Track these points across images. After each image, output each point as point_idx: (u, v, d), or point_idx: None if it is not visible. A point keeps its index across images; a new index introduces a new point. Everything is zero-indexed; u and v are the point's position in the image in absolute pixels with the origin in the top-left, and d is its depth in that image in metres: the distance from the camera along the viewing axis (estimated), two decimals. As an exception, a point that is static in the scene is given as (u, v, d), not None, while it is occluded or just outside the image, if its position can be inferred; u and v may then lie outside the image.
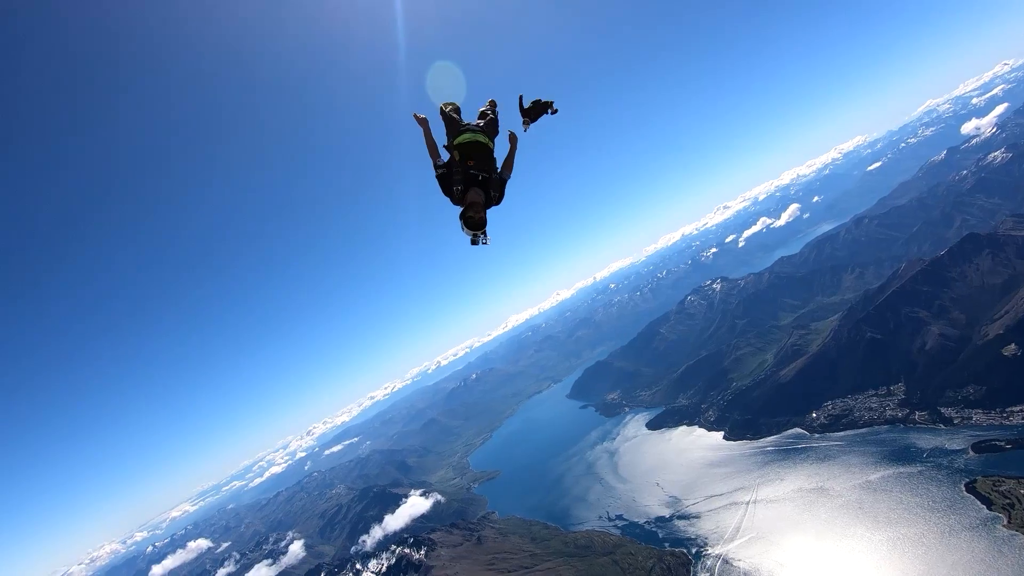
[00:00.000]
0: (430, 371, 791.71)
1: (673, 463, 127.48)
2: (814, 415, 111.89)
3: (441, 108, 11.55)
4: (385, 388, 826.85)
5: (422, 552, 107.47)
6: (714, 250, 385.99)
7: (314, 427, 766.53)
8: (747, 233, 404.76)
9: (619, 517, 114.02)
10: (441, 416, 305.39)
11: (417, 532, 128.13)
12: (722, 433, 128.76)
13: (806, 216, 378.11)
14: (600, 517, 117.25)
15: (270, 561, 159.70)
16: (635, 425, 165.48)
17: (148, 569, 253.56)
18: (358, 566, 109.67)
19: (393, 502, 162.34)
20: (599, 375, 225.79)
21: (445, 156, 10.81)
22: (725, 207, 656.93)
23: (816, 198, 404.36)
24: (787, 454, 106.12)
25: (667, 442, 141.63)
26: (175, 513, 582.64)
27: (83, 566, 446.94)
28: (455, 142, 10.72)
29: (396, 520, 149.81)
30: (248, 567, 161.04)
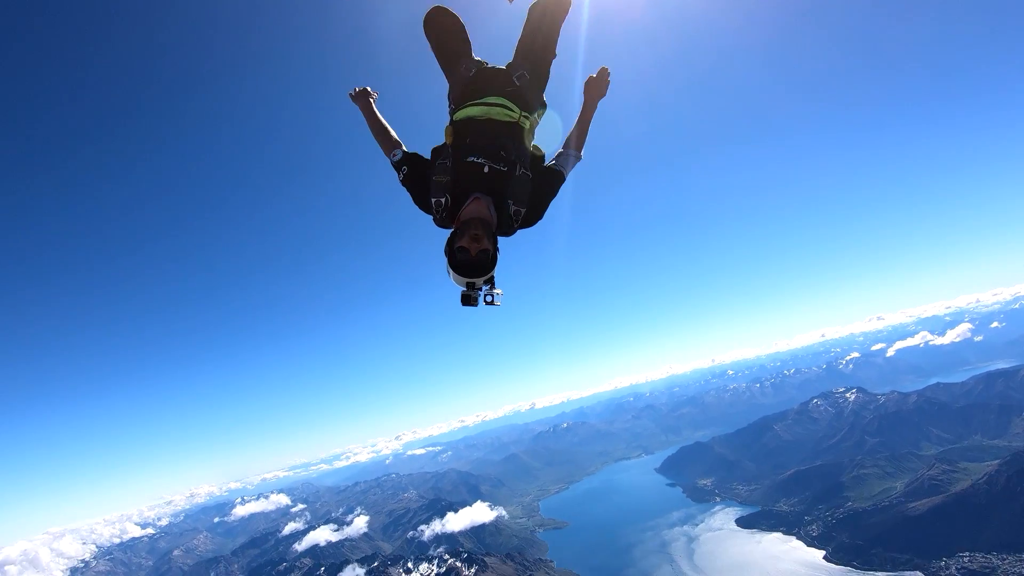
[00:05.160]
0: (523, 411, 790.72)
1: (758, 568, 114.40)
2: (944, 563, 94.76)
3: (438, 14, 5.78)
4: (477, 415, 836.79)
5: (472, 570, 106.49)
6: (855, 355, 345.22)
7: (403, 434, 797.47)
8: (900, 345, 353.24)
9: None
10: (524, 455, 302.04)
11: (473, 550, 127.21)
12: (824, 552, 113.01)
13: (978, 340, 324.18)
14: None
15: (335, 527, 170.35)
16: (724, 517, 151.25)
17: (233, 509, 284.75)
18: (409, 564, 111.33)
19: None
20: (696, 457, 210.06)
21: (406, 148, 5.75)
22: (879, 318, 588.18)
23: (995, 324, 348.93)
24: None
25: (756, 544, 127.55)
26: (268, 475, 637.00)
27: (183, 498, 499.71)
28: (456, 116, 5.50)
29: (458, 520, 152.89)
30: (314, 528, 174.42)
